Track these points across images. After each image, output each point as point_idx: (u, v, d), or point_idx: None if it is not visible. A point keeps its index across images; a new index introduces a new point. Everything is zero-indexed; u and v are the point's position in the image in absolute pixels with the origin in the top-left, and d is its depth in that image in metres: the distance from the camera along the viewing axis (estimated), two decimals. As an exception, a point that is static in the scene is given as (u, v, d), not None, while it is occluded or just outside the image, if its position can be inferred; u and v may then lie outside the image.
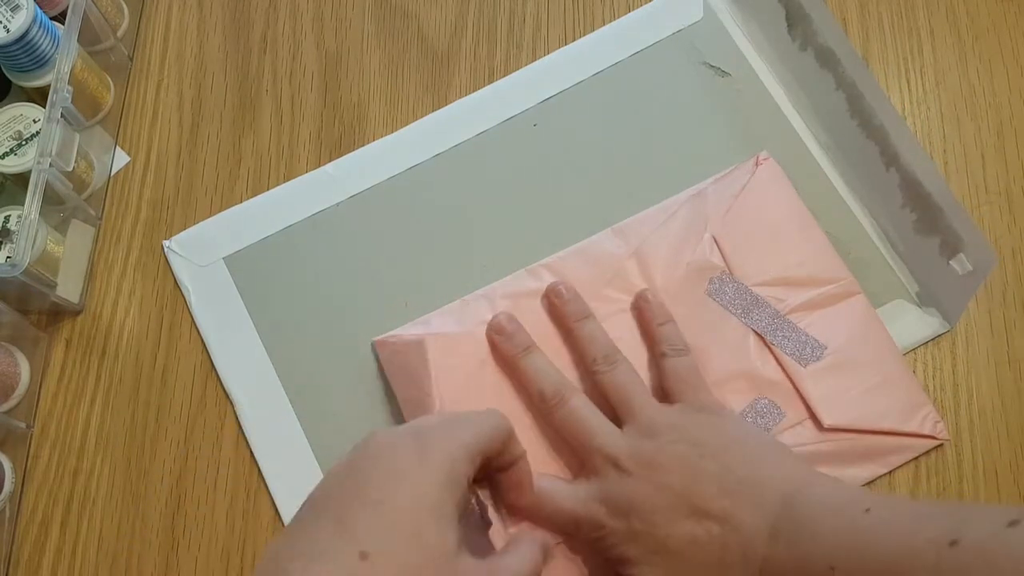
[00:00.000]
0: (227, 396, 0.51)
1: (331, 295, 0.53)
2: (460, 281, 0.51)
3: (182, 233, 0.55)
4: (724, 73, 0.56)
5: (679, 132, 0.55)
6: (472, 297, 0.51)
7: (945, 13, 0.57)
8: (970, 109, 0.55)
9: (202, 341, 0.53)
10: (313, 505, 0.36)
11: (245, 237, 0.54)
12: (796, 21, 0.52)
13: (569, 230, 0.52)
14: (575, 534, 0.44)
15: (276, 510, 0.49)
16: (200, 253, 0.54)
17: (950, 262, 0.47)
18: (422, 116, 0.57)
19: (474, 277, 0.52)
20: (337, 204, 0.54)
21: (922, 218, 0.48)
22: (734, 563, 0.39)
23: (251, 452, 0.50)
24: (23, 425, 0.51)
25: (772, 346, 0.48)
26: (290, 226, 0.54)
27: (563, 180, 0.54)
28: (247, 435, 0.51)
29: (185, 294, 0.53)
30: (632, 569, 0.41)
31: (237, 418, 0.51)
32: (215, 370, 0.52)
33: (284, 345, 0.52)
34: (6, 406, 0.51)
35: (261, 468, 0.50)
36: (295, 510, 0.48)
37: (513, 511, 0.44)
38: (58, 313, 0.54)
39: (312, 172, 0.55)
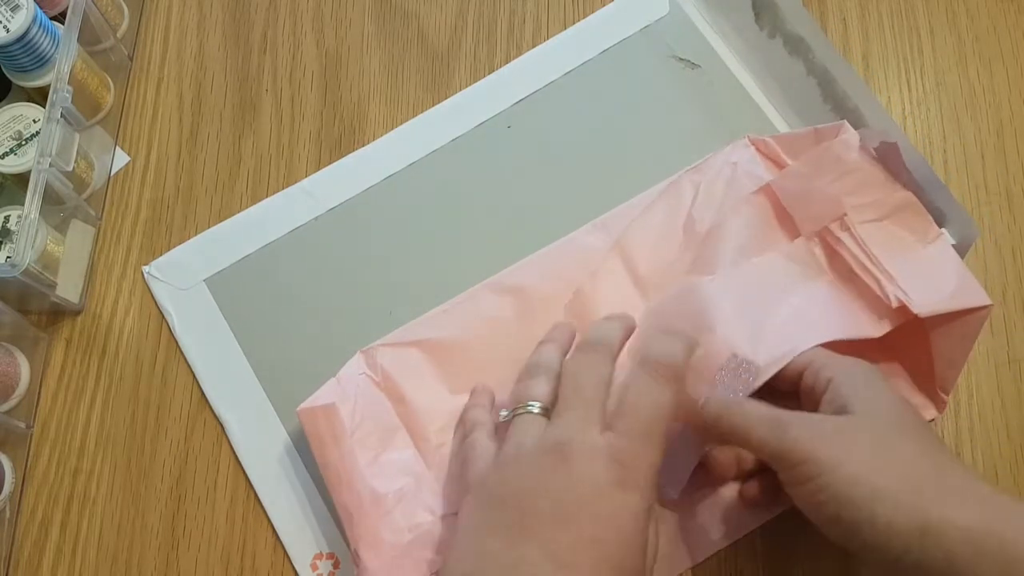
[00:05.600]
0: (216, 418, 0.51)
1: (315, 310, 0.52)
2: (443, 287, 0.51)
3: (161, 258, 0.54)
4: (694, 65, 0.56)
5: (653, 126, 0.55)
6: (459, 299, 0.51)
7: (945, 13, 0.57)
8: (970, 109, 0.55)
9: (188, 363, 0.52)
10: (517, 511, 0.37)
11: (225, 257, 0.54)
12: (763, 9, 0.52)
13: (550, 229, 0.52)
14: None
15: (273, 527, 0.49)
16: (181, 276, 0.54)
17: None
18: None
19: (458, 281, 0.51)
20: (315, 218, 0.54)
21: None
22: None
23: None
24: (23, 425, 0.51)
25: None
26: (269, 244, 0.54)
27: (541, 180, 0.54)
28: (239, 456, 0.50)
29: (168, 319, 0.53)
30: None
31: (228, 440, 0.51)
32: (203, 394, 0.52)
33: (271, 364, 0.52)
34: (6, 406, 0.51)
35: (255, 488, 0.50)
36: (292, 531, 0.48)
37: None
38: (58, 313, 0.54)
39: (288, 188, 0.55)
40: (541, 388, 0.42)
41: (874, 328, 0.45)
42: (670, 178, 0.52)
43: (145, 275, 0.54)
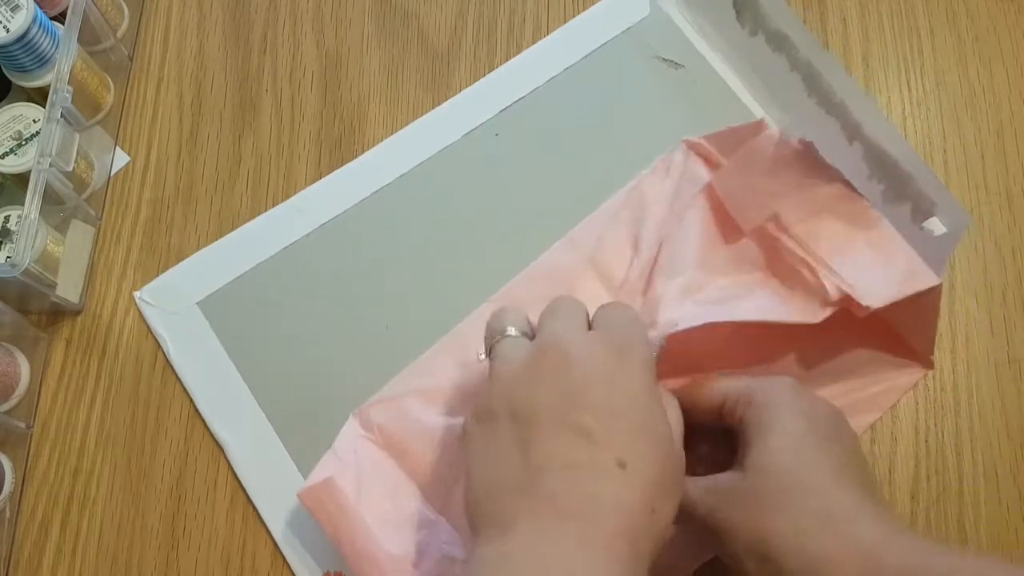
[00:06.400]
0: (215, 441, 0.51)
1: (310, 327, 0.52)
2: (438, 297, 0.51)
3: (152, 282, 0.54)
4: (677, 65, 0.56)
5: (640, 127, 0.55)
6: (444, 340, 0.50)
7: (945, 13, 0.57)
8: (970, 109, 0.55)
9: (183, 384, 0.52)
10: (528, 419, 0.36)
11: (217, 279, 0.53)
12: (744, 7, 0.52)
13: (543, 234, 0.52)
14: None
15: (275, 543, 0.49)
16: (172, 300, 0.53)
17: (923, 226, 0.47)
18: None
19: (453, 291, 0.51)
20: (306, 235, 0.54)
21: (890, 187, 0.48)
22: None
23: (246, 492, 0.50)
24: (23, 425, 0.51)
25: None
26: (262, 263, 0.53)
27: (531, 186, 0.54)
28: (240, 478, 0.50)
29: (162, 344, 0.52)
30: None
31: (228, 461, 0.50)
32: (200, 416, 0.51)
33: (268, 383, 0.51)
34: (6, 406, 0.51)
35: (258, 508, 0.49)
36: (295, 547, 0.48)
37: None
38: (58, 313, 0.54)
39: (278, 206, 0.55)
40: (513, 316, 0.41)
41: (812, 315, 0.44)
42: (630, 183, 0.53)
43: (137, 301, 0.53)
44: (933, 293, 0.44)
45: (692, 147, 0.53)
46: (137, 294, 0.54)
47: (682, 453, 0.38)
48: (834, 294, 0.44)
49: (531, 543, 0.33)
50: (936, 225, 0.46)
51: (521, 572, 0.33)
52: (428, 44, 0.59)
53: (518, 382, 0.38)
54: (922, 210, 0.46)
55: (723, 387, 0.42)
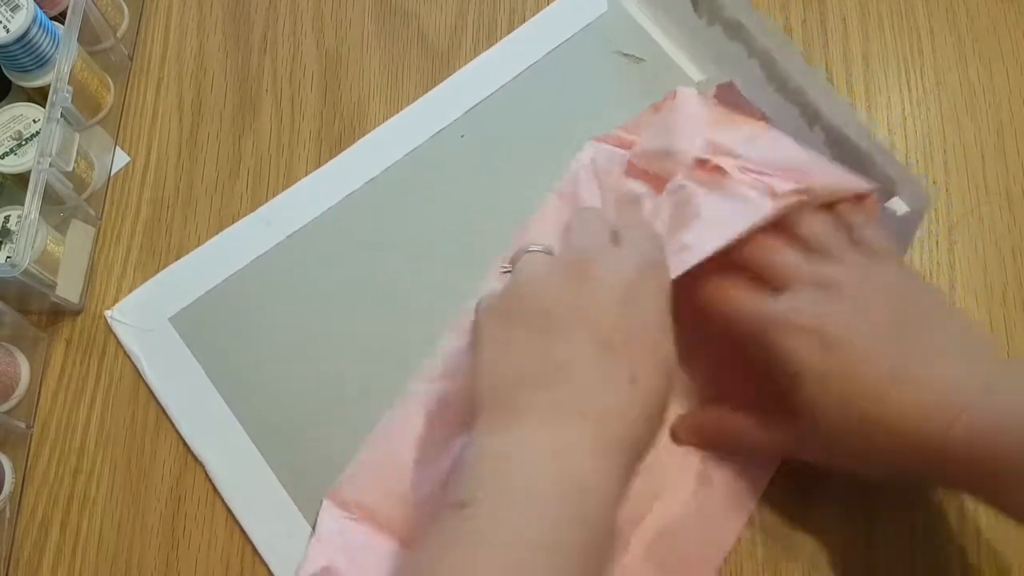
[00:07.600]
0: (196, 459, 0.50)
1: (284, 337, 0.52)
2: (407, 300, 0.51)
3: (122, 301, 0.53)
4: (638, 59, 0.56)
5: (604, 123, 0.55)
6: (397, 405, 0.49)
7: (945, 13, 0.57)
8: (970, 109, 0.55)
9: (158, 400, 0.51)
10: (549, 320, 0.38)
11: (188, 293, 0.53)
12: None
13: (509, 238, 0.52)
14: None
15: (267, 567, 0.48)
16: (144, 317, 0.53)
17: (886, 206, 0.47)
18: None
19: (420, 295, 0.52)
20: (276, 245, 0.54)
21: (852, 169, 0.48)
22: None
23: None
24: (23, 425, 0.51)
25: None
26: (233, 275, 0.53)
27: (500, 186, 0.54)
28: (223, 496, 0.49)
29: (135, 362, 0.52)
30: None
31: (210, 479, 0.50)
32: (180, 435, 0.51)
33: (246, 397, 0.51)
34: (6, 406, 0.51)
35: (244, 526, 0.49)
36: (286, 567, 0.47)
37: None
38: (58, 313, 0.54)
39: (246, 217, 0.55)
40: (541, 239, 0.43)
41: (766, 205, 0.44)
42: (542, 202, 0.53)
43: (108, 320, 0.53)
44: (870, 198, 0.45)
45: (605, 140, 0.53)
46: (109, 313, 0.53)
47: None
48: (783, 187, 0.44)
49: (541, 438, 0.35)
50: (898, 205, 0.46)
51: (527, 465, 0.34)
52: (428, 44, 0.59)
53: (542, 285, 0.39)
54: (884, 191, 0.46)
55: (748, 314, 0.42)
